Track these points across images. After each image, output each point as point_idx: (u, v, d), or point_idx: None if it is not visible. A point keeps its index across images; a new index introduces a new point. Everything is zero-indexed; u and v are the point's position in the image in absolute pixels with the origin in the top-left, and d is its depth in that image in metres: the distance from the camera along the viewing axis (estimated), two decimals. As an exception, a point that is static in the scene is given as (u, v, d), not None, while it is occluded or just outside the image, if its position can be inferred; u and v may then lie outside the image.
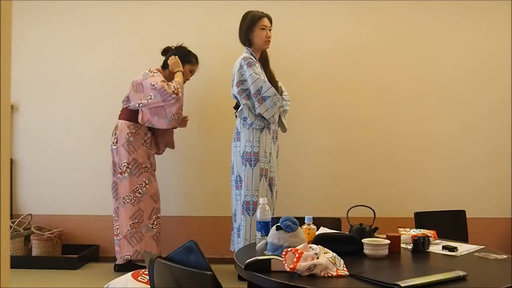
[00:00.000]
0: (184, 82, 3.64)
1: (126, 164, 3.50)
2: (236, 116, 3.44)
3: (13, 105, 4.07)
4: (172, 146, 3.84)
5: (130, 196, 3.49)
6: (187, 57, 3.67)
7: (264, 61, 3.50)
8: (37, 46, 4.11)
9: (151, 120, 3.50)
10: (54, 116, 4.11)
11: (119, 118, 3.61)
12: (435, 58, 4.03)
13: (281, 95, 3.43)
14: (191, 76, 3.72)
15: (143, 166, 3.53)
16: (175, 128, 3.75)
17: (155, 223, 3.56)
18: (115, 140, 3.55)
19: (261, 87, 3.26)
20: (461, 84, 4.03)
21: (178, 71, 3.60)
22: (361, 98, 4.02)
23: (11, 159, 4.08)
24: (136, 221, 3.50)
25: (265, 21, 3.38)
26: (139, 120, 3.52)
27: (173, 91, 3.41)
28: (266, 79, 3.31)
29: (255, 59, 3.38)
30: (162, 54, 3.70)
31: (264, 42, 3.39)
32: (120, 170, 3.51)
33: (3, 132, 0.82)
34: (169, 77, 3.59)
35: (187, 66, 3.66)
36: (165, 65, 3.67)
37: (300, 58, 3.97)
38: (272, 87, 3.28)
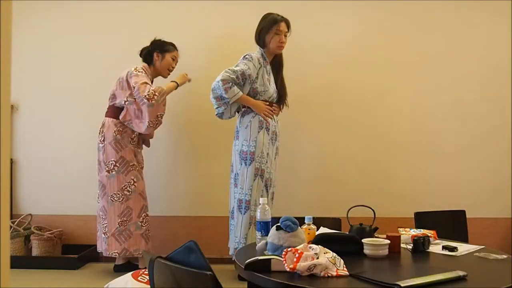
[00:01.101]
0: (171, 70, 3.64)
1: (113, 162, 3.48)
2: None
3: (13, 105, 4.07)
4: (147, 144, 3.80)
5: (119, 194, 3.47)
6: (164, 47, 3.63)
7: (277, 65, 3.52)
8: (37, 46, 4.11)
9: (132, 121, 3.48)
10: (54, 116, 4.11)
11: (106, 116, 3.59)
12: (434, 61, 4.03)
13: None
14: (175, 64, 3.68)
15: (130, 164, 3.50)
16: (150, 134, 3.70)
17: (144, 221, 3.54)
18: (102, 138, 3.53)
19: None
20: (460, 84, 4.03)
21: (173, 81, 3.58)
22: (361, 99, 4.02)
23: (11, 159, 4.08)
24: (125, 219, 3.48)
25: (282, 25, 3.38)
26: (120, 117, 3.49)
27: (145, 95, 3.34)
28: (231, 74, 3.25)
29: (265, 60, 3.39)
30: (140, 55, 3.67)
31: (277, 47, 3.40)
32: (107, 168, 3.48)
33: (3, 132, 0.82)
34: (154, 74, 3.61)
35: (167, 55, 3.62)
36: (148, 60, 3.63)
37: (300, 62, 3.94)
38: (215, 82, 3.25)
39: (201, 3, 4.01)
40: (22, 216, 3.93)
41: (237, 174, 3.37)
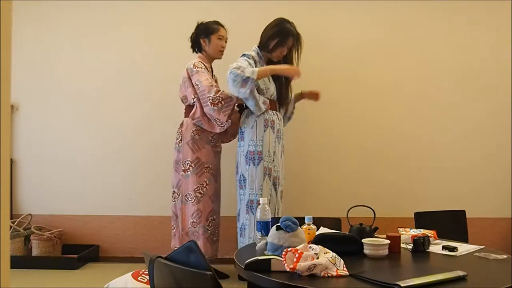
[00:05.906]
0: (222, 51, 3.52)
1: (189, 162, 3.41)
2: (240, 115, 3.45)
3: (13, 105, 4.08)
4: (226, 139, 3.71)
5: (191, 195, 3.41)
6: (207, 30, 3.49)
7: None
8: (37, 46, 4.11)
9: (202, 120, 3.39)
10: (54, 116, 4.11)
11: (185, 116, 3.52)
12: (435, 60, 4.03)
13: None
14: (224, 42, 3.53)
15: (205, 166, 3.43)
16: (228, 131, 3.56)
17: (210, 224, 3.46)
18: (180, 137, 3.47)
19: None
20: (461, 84, 4.03)
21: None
22: (362, 99, 4.02)
23: (11, 159, 4.08)
24: (195, 220, 3.42)
25: (291, 41, 3.34)
26: (190, 115, 3.41)
27: (210, 98, 3.28)
28: (241, 65, 3.16)
29: (261, 59, 3.36)
30: (191, 46, 3.56)
31: (277, 57, 3.38)
32: (183, 168, 3.43)
33: (3, 132, 0.82)
34: (210, 59, 3.53)
35: (213, 37, 3.48)
36: (199, 48, 3.53)
37: (304, 61, 3.93)
38: (230, 74, 3.12)
39: (205, 3, 4.01)
40: (22, 216, 3.93)
41: (242, 175, 3.34)
